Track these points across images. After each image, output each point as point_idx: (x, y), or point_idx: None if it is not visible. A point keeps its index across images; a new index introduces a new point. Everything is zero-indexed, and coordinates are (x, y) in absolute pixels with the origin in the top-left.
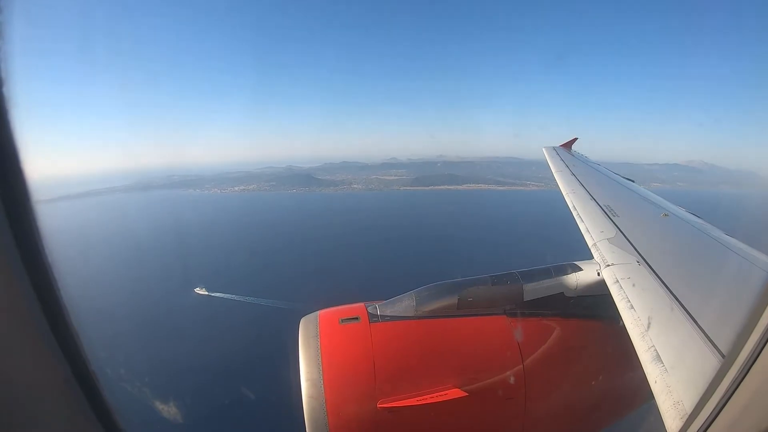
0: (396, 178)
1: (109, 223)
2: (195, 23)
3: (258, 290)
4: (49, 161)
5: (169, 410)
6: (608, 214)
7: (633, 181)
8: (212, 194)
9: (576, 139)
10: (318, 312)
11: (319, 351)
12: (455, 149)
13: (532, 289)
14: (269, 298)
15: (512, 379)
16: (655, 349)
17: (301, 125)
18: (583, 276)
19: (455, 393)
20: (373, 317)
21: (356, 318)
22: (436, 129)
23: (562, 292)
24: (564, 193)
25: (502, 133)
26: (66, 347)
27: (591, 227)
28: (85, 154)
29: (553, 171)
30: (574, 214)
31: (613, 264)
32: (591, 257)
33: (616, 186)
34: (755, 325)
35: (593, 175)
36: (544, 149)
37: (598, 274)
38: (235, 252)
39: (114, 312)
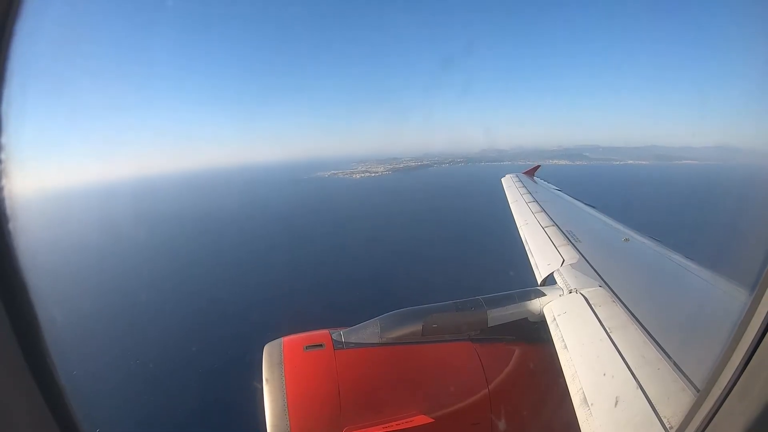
0: None
1: None
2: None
3: None
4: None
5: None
6: (571, 239)
7: (594, 207)
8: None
9: (539, 166)
10: (282, 339)
11: (284, 378)
12: None
13: (497, 315)
14: None
15: (478, 404)
16: (583, 392)
17: None
18: (546, 301)
19: (421, 419)
20: (337, 344)
21: (321, 345)
22: None
23: (526, 317)
24: (518, 225)
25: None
26: (30, 354)
27: (540, 262)
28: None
29: (510, 201)
30: (526, 247)
31: (575, 289)
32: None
33: (578, 212)
34: (729, 360)
35: (555, 201)
36: (503, 179)
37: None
38: None
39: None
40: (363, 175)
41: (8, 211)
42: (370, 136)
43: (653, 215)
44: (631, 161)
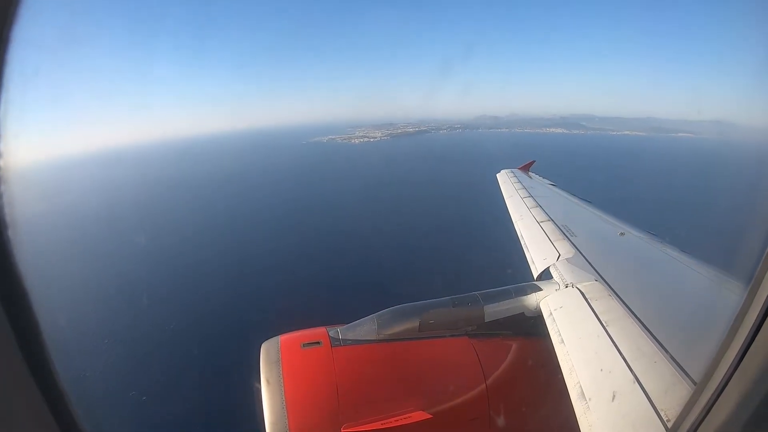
0: None
1: None
2: None
3: None
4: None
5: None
6: (566, 234)
7: (590, 202)
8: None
9: (533, 162)
10: (279, 336)
11: (281, 377)
12: None
13: (493, 311)
14: None
15: (475, 400)
16: (580, 386)
17: None
18: (542, 296)
19: (419, 415)
20: (334, 341)
21: (318, 342)
22: None
23: (523, 313)
24: (513, 220)
25: None
26: (26, 345)
27: (536, 257)
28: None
29: (505, 197)
30: (522, 242)
31: (571, 283)
32: None
33: (573, 207)
34: (723, 355)
35: (551, 196)
36: (498, 175)
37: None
38: None
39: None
40: (362, 140)
41: (8, 218)
42: (361, 102)
43: (653, 193)
44: (627, 132)
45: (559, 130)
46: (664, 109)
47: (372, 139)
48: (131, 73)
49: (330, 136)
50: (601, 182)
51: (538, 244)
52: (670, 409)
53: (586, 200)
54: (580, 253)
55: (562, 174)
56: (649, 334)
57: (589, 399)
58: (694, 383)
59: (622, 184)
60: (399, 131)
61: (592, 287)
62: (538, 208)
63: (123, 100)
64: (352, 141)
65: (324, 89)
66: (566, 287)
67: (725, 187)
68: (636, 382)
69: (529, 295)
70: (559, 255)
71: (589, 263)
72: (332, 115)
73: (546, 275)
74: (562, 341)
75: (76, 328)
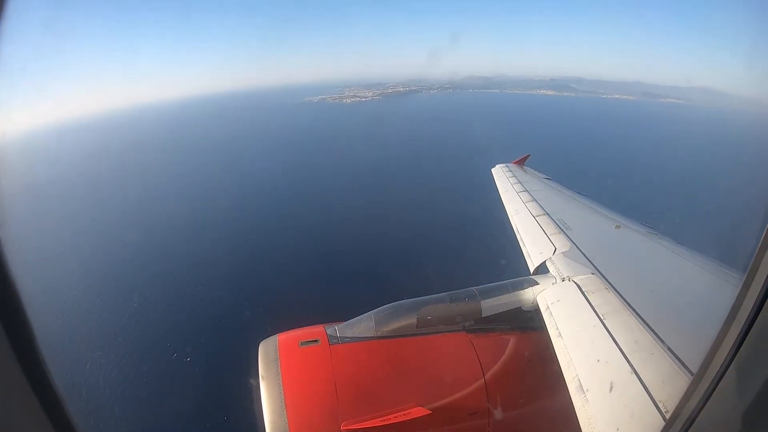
0: None
1: None
2: None
3: None
4: None
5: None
6: (562, 228)
7: (585, 195)
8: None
9: (528, 156)
10: (277, 335)
11: (280, 375)
12: None
13: (490, 305)
14: None
15: (474, 395)
16: (579, 379)
17: None
18: (539, 290)
19: (418, 411)
20: (332, 339)
21: (316, 340)
22: None
23: (520, 307)
24: (509, 215)
25: None
26: (20, 346)
27: (532, 251)
28: None
29: (500, 192)
30: (518, 237)
31: (568, 277)
32: None
33: (569, 200)
34: (720, 345)
35: (546, 190)
36: (493, 170)
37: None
38: None
39: None
40: (353, 100)
41: None
42: (347, 61)
43: (648, 162)
44: (618, 95)
45: (549, 92)
46: (652, 75)
47: (364, 99)
48: (119, 32)
49: (320, 96)
50: (600, 153)
51: (535, 239)
52: (668, 400)
53: (581, 193)
54: (576, 246)
55: (559, 138)
56: (646, 326)
57: (587, 390)
58: (692, 374)
59: (621, 153)
60: (390, 91)
61: (589, 280)
62: (534, 203)
63: (110, 63)
64: (344, 101)
65: (309, 49)
66: (563, 281)
67: (724, 169)
68: (634, 374)
69: (526, 290)
70: (556, 249)
71: (586, 257)
72: (318, 75)
73: (542, 269)
74: (560, 335)
75: (70, 326)
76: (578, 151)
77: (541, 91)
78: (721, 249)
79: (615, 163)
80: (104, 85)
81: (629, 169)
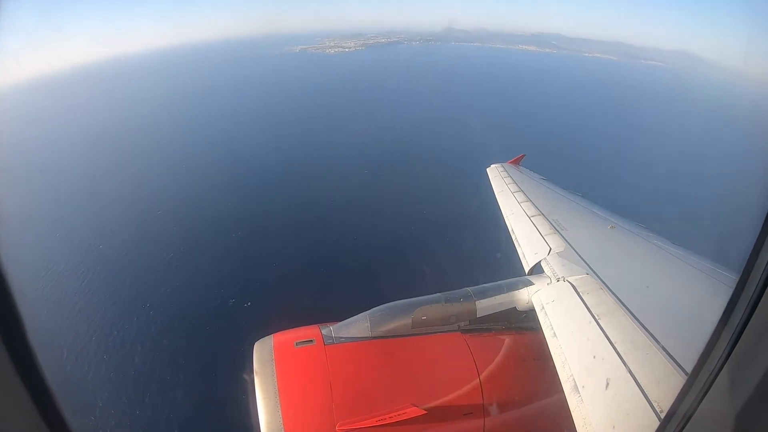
0: None
1: None
2: None
3: None
4: None
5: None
6: (557, 228)
7: (581, 195)
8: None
9: (523, 156)
10: (272, 335)
11: (275, 376)
12: None
13: (485, 306)
14: None
15: (469, 395)
16: (574, 379)
17: None
18: (534, 290)
19: (413, 411)
20: (327, 339)
21: (311, 341)
22: None
23: (515, 307)
24: (504, 215)
25: None
26: (12, 344)
27: (527, 252)
28: None
29: (495, 192)
30: (513, 237)
31: (563, 277)
32: None
33: (563, 200)
34: (714, 346)
35: (541, 191)
36: (488, 170)
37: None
38: None
39: None
40: (336, 50)
41: None
42: (322, 10)
43: (632, 127)
44: (599, 54)
45: (531, 48)
46: (630, 34)
47: (347, 50)
48: None
49: (301, 46)
50: (583, 113)
51: (529, 239)
52: (663, 400)
53: (576, 193)
54: (571, 246)
55: (545, 97)
56: (640, 326)
57: (582, 387)
58: (686, 374)
59: (611, 112)
60: (371, 41)
61: (584, 281)
62: (529, 203)
63: (88, 15)
64: (327, 51)
65: None
66: (558, 281)
67: (709, 140)
68: (629, 373)
69: (521, 290)
70: (550, 249)
71: (580, 257)
72: (295, 24)
73: (537, 269)
74: (555, 335)
75: (63, 322)
76: (565, 114)
77: (523, 47)
78: (712, 244)
79: (599, 126)
80: (84, 37)
81: (614, 135)
